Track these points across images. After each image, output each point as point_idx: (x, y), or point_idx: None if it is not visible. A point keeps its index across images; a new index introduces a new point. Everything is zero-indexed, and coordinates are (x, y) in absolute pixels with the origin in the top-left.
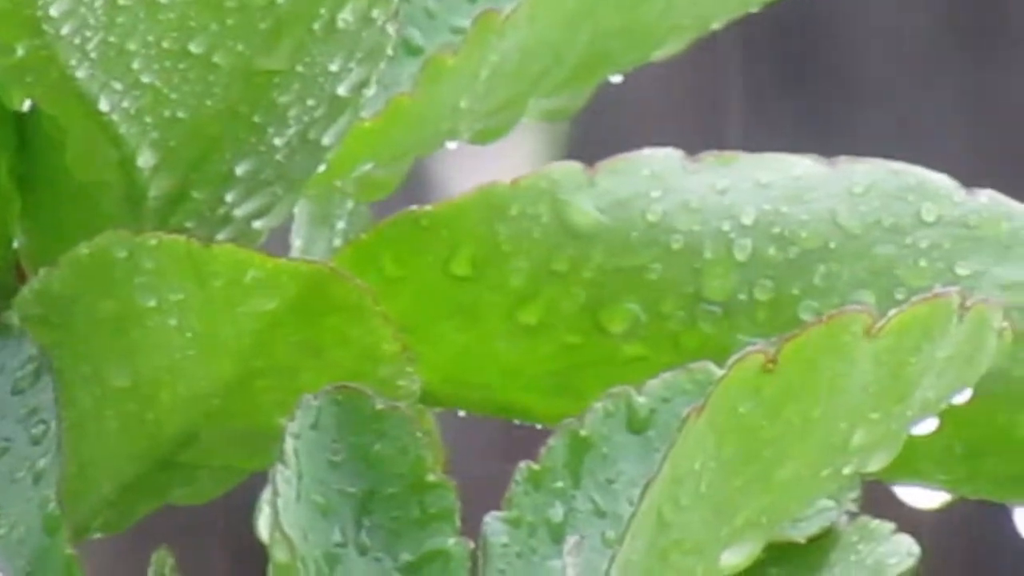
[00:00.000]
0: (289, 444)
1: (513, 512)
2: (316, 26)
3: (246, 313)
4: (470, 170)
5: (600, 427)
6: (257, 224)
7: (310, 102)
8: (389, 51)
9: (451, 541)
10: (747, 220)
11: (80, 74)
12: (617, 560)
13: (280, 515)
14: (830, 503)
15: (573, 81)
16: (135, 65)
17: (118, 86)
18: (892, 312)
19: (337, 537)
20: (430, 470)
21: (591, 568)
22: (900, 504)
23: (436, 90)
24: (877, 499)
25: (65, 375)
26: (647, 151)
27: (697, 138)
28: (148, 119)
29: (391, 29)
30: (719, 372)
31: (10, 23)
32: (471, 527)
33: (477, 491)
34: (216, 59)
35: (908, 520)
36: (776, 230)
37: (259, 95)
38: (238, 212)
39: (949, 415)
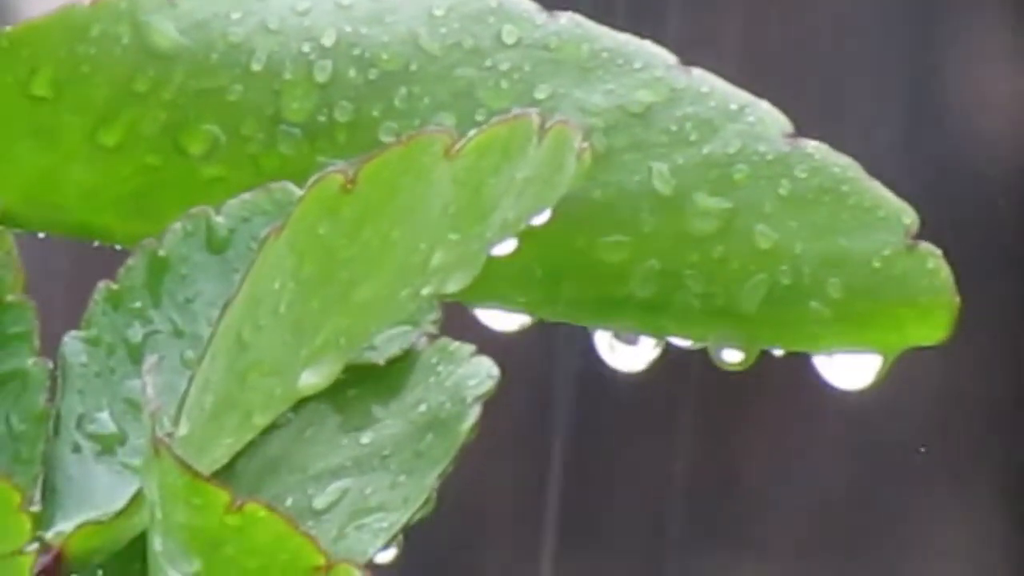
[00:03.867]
0: None
1: (92, 331)
2: None
3: None
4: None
5: (179, 247)
6: None
7: None
8: None
9: (30, 361)
10: (327, 42)
11: None
12: (196, 380)
13: None
14: (409, 326)
15: None
16: None
17: None
18: (471, 133)
19: None
20: (9, 291)
21: (170, 388)
22: (483, 328)
23: None
24: (462, 323)
25: None
26: None
27: None
28: None
29: None
30: (299, 192)
31: None
32: (50, 348)
33: (56, 312)
34: None
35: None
36: (357, 52)
37: None
38: None
39: (528, 237)
